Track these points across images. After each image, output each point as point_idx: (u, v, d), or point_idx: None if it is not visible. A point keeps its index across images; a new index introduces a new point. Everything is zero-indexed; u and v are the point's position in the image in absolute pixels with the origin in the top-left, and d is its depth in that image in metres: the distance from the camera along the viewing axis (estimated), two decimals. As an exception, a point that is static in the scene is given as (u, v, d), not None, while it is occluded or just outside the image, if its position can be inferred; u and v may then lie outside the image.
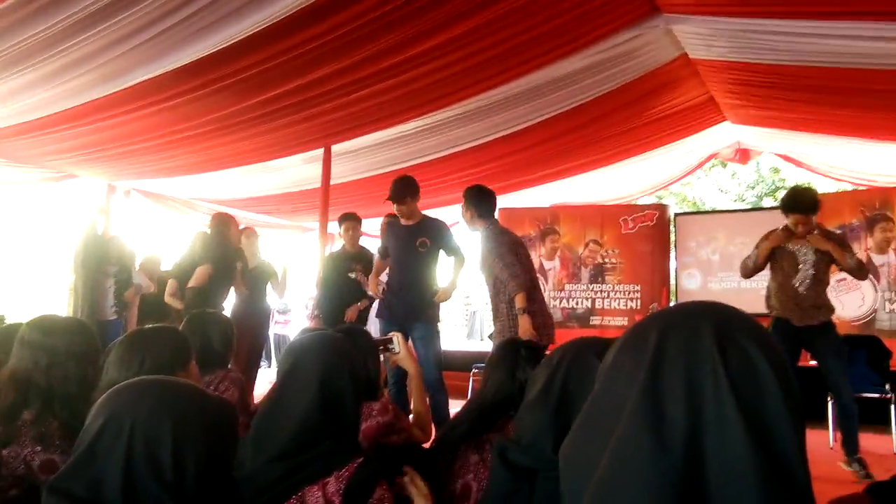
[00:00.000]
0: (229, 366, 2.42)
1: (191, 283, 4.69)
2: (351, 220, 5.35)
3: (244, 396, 2.31)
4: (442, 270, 4.53)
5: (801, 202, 4.04)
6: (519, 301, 3.92)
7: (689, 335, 0.64)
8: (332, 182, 6.15)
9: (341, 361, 1.46)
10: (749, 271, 4.29)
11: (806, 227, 4.02)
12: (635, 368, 0.64)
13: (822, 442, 4.96)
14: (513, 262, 3.98)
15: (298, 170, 6.75)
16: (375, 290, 4.61)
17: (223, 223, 5.06)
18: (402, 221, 4.42)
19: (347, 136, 5.84)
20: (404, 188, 4.33)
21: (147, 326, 1.95)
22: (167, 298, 4.98)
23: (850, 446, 3.90)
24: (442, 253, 4.47)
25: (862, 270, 4.09)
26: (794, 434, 0.60)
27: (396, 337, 2.38)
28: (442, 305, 4.49)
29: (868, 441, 3.92)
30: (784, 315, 4.08)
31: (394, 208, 4.35)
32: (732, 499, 0.56)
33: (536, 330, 3.90)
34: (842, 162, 7.98)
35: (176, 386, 1.04)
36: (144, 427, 0.94)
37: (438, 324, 4.52)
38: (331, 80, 4.56)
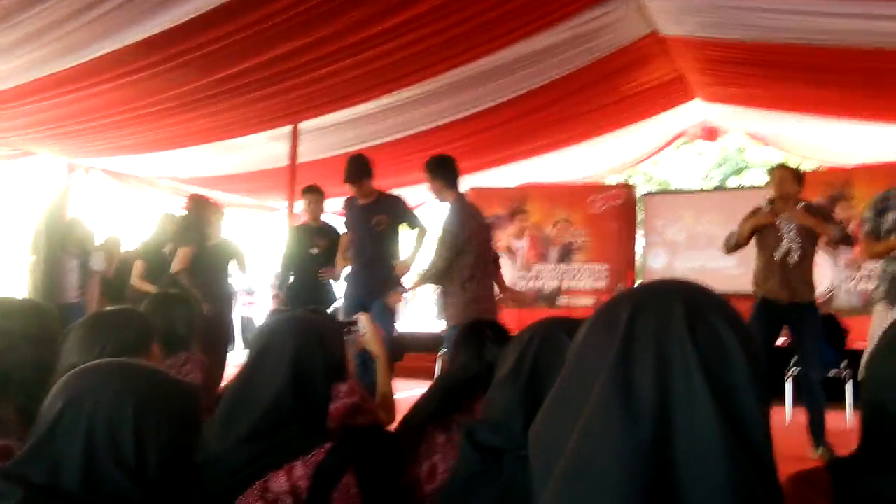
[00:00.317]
0: (192, 348, 2.38)
1: (176, 266, 4.56)
2: (313, 193, 5.26)
3: (208, 379, 2.28)
4: (405, 245, 4.56)
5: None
6: (413, 282, 4.25)
7: (660, 312, 0.64)
8: (298, 161, 6.06)
9: (314, 343, 1.44)
10: (731, 247, 4.24)
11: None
12: (606, 346, 0.63)
13: (780, 419, 5.09)
14: (444, 250, 3.91)
15: (265, 147, 6.64)
16: (343, 265, 4.62)
17: (202, 205, 4.96)
18: (359, 200, 4.43)
19: (315, 113, 5.76)
20: (359, 169, 4.33)
21: (108, 309, 1.91)
22: (135, 281, 4.87)
23: (818, 432, 3.89)
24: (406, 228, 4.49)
25: (848, 239, 4.06)
26: (759, 408, 0.61)
27: (362, 318, 2.36)
28: (408, 283, 4.48)
29: (826, 418, 4.00)
30: (770, 295, 4.03)
31: (350, 188, 4.36)
32: (700, 469, 0.57)
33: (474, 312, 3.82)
34: (809, 140, 8.11)
35: (138, 369, 1.01)
36: (106, 411, 0.92)
37: (400, 303, 4.54)
38: (297, 56, 4.49)
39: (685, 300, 0.65)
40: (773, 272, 4.03)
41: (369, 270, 4.36)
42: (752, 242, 4.18)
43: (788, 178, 4.04)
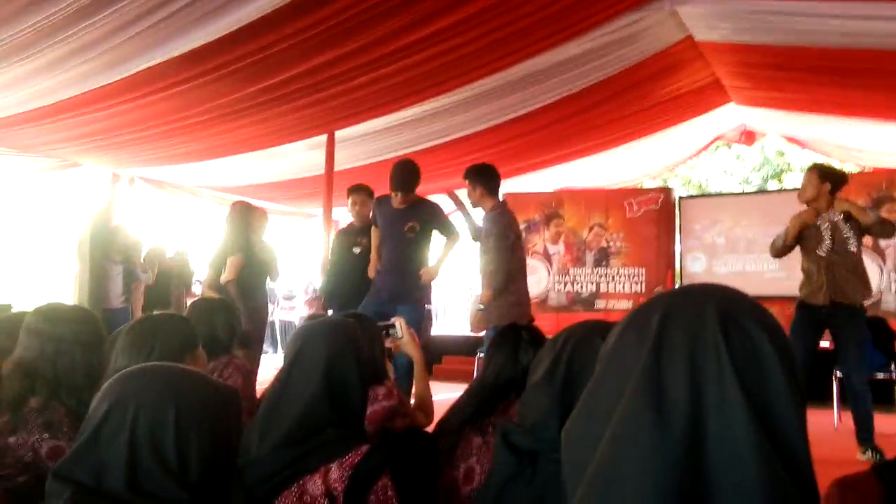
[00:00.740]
0: (234, 352, 2.43)
1: (225, 277, 4.64)
2: (358, 193, 4.94)
3: (248, 383, 2.32)
4: (436, 250, 4.46)
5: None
6: (484, 296, 4.01)
7: (692, 317, 0.63)
8: (335, 168, 6.14)
9: (348, 347, 1.45)
10: (778, 250, 4.17)
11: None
12: (638, 350, 0.63)
13: (828, 423, 4.97)
14: (501, 257, 3.94)
15: (302, 156, 6.74)
16: (377, 265, 4.45)
17: (248, 211, 4.97)
18: (394, 203, 4.24)
19: (350, 121, 5.82)
20: (412, 177, 4.17)
21: (155, 314, 1.97)
22: (206, 292, 4.88)
23: (865, 436, 3.85)
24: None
25: (885, 226, 3.96)
26: (796, 417, 0.60)
27: (399, 322, 2.38)
28: (441, 289, 4.42)
29: (875, 421, 3.91)
30: (809, 299, 3.99)
31: (395, 195, 4.18)
32: (733, 480, 0.56)
33: (515, 315, 3.83)
34: (847, 143, 7.93)
35: (180, 372, 1.04)
36: (148, 413, 0.95)
37: (428, 306, 4.41)
38: (333, 66, 4.54)
39: (718, 305, 0.64)
40: (815, 274, 3.99)
41: (395, 276, 4.25)
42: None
43: (814, 178, 4.01)
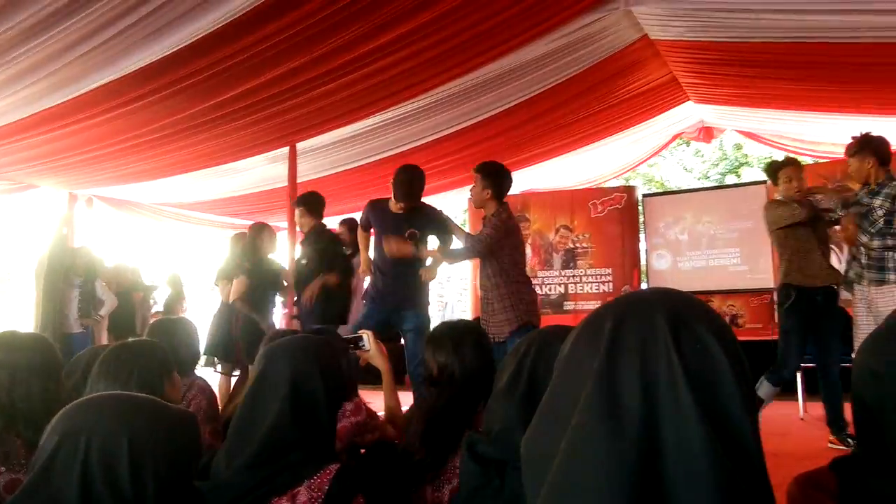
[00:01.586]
0: (196, 373, 2.39)
1: (233, 297, 4.98)
2: (296, 206, 5.12)
3: (212, 404, 2.29)
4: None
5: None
6: (447, 260, 4.15)
7: (644, 322, 0.64)
8: (299, 180, 6.09)
9: (312, 366, 1.42)
10: (791, 213, 4.06)
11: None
12: (591, 358, 0.63)
13: (793, 413, 5.06)
14: (491, 237, 3.87)
15: (264, 169, 6.68)
16: (368, 267, 4.39)
17: (256, 231, 5.26)
18: (393, 208, 4.17)
19: (311, 133, 5.78)
20: (418, 186, 4.10)
21: (131, 340, 1.98)
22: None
23: (843, 422, 3.95)
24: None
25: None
26: (748, 417, 0.60)
27: (367, 335, 2.36)
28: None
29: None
30: (809, 282, 4.00)
31: (396, 202, 4.14)
32: (688, 482, 0.56)
33: (527, 312, 3.89)
34: (803, 136, 8.12)
35: (132, 400, 1.02)
36: (100, 444, 0.92)
37: (428, 308, 4.36)
38: (291, 78, 4.50)
39: (668, 310, 0.64)
40: (813, 256, 4.05)
41: (399, 283, 4.16)
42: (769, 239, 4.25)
43: (797, 172, 4.13)
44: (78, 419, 0.96)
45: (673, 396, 0.59)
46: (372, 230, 4.42)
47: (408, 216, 4.14)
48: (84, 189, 6.86)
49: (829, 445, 3.98)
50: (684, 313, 0.64)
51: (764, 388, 3.94)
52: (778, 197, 4.24)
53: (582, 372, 0.63)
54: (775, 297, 4.23)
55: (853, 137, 3.86)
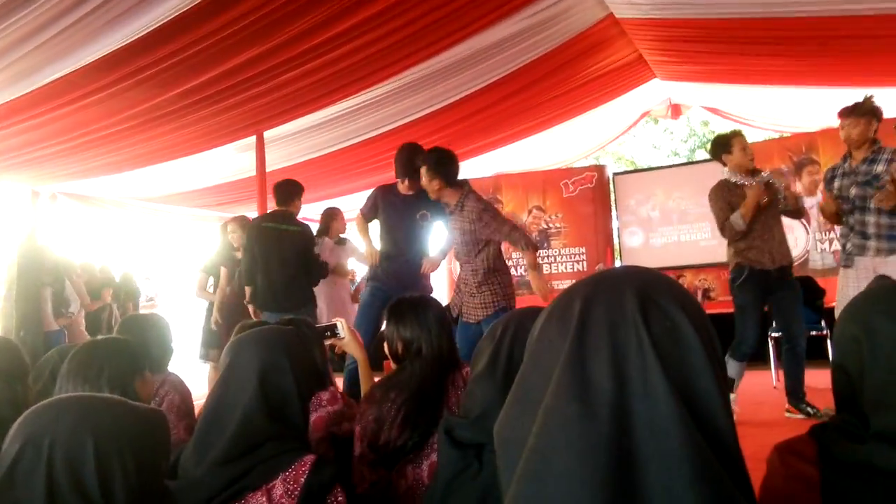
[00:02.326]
0: (168, 369, 2.36)
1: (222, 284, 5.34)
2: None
3: (185, 400, 2.26)
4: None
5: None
6: (531, 258, 3.78)
7: (612, 301, 0.63)
8: (268, 169, 6.01)
9: (281, 357, 1.39)
10: (738, 232, 4.02)
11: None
12: (561, 338, 0.63)
13: (766, 382, 5.17)
14: (509, 221, 3.78)
15: (232, 159, 6.57)
16: (373, 256, 4.24)
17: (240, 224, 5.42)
18: (402, 191, 4.16)
19: (279, 120, 5.71)
20: (413, 159, 3.99)
21: (101, 338, 1.92)
22: (199, 293, 5.47)
23: (800, 392, 4.00)
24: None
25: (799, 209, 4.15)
26: (717, 391, 0.60)
27: (341, 322, 2.35)
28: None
29: (809, 377, 4.07)
30: (759, 263, 3.96)
31: (402, 182, 4.11)
32: (661, 459, 0.56)
33: (506, 296, 3.81)
34: (767, 110, 8.21)
35: (96, 401, 0.99)
36: (64, 447, 0.90)
37: (436, 270, 4.35)
38: (255, 65, 4.43)
39: (636, 287, 0.64)
40: (758, 237, 3.99)
41: (409, 265, 4.12)
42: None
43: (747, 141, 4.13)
44: (41, 422, 0.93)
45: (643, 374, 0.59)
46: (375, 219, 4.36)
47: (417, 198, 4.11)
48: (47, 185, 6.70)
49: (786, 415, 4.03)
50: (652, 290, 0.64)
51: (730, 366, 3.93)
52: (726, 174, 4.14)
53: (552, 354, 0.63)
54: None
55: (856, 103, 3.74)
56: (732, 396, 3.87)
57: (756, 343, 3.96)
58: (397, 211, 4.17)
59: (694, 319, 0.63)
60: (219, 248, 5.66)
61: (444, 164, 3.77)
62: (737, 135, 4.19)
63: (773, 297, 4.07)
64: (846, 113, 3.77)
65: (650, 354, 0.59)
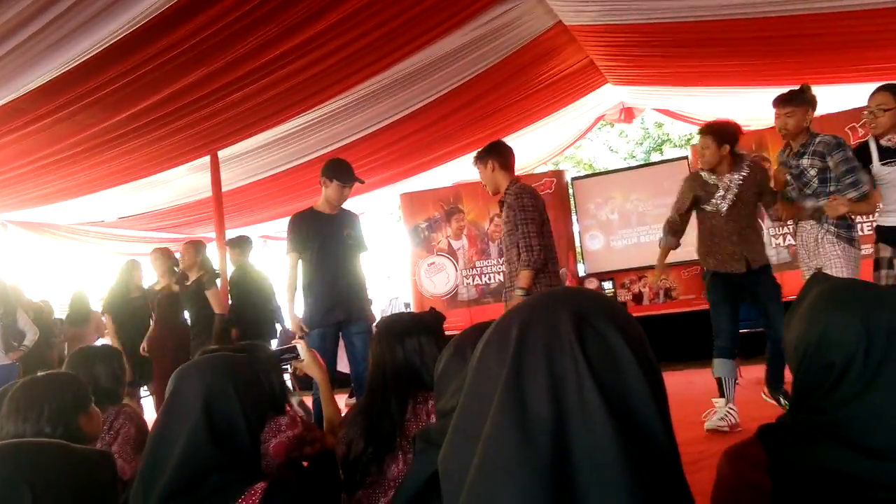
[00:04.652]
0: (123, 400, 2.29)
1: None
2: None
3: (141, 431, 2.20)
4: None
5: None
6: (523, 279, 3.60)
7: (548, 324, 0.63)
8: (223, 189, 5.92)
9: (226, 383, 1.34)
10: (675, 225, 4.02)
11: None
12: (499, 365, 0.62)
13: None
14: (533, 232, 3.64)
15: (186, 180, 6.47)
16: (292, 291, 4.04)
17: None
18: (328, 210, 4.06)
19: (232, 139, 5.64)
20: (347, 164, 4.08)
21: (40, 374, 1.85)
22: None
23: (780, 382, 4.04)
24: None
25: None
26: (656, 411, 0.60)
27: (300, 344, 2.32)
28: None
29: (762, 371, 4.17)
30: (726, 267, 3.86)
31: (343, 192, 4.06)
32: (601, 482, 0.55)
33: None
34: (716, 111, 8.38)
35: (34, 448, 0.96)
36: (1, 494, 0.86)
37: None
38: (205, 85, 4.37)
39: (572, 310, 0.63)
40: (724, 240, 3.88)
41: (351, 292, 3.98)
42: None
43: (710, 142, 3.89)
44: (-26, 473, 0.89)
45: (579, 396, 0.58)
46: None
47: (341, 217, 4.11)
48: (-5, 214, 6.52)
49: (763, 397, 4.16)
50: (588, 312, 0.64)
51: (717, 366, 3.82)
52: (703, 173, 3.99)
53: (491, 381, 0.62)
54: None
55: (791, 91, 3.65)
56: (724, 402, 3.79)
57: (733, 336, 3.82)
58: (324, 233, 4.01)
59: (630, 340, 0.62)
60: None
61: (494, 149, 3.87)
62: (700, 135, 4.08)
63: (751, 295, 3.96)
64: (783, 102, 3.66)
65: (587, 378, 0.59)
